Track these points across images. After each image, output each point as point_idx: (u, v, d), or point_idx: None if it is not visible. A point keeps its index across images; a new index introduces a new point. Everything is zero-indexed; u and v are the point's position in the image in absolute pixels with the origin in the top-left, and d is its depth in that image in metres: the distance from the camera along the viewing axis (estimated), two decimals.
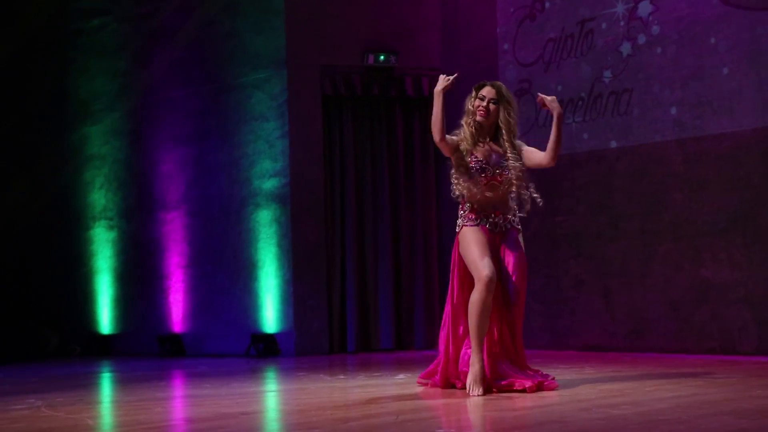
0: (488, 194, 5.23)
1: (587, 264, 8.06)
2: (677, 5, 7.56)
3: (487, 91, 5.25)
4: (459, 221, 5.31)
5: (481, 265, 5.07)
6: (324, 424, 4.15)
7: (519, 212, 5.35)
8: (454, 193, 5.31)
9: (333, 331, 8.63)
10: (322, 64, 8.69)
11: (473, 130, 5.25)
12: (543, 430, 3.95)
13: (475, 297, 5.06)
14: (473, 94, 5.28)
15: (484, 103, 5.23)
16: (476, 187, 5.20)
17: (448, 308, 5.36)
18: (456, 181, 5.26)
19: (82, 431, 4.24)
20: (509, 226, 5.29)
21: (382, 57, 8.82)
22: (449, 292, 5.36)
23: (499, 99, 5.23)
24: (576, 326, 8.07)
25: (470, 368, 5.04)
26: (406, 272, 8.90)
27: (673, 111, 7.59)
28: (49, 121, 10.36)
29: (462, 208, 5.32)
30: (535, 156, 5.31)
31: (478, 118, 5.23)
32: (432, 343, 8.91)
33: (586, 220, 8.09)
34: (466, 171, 5.21)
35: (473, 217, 5.25)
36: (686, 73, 7.50)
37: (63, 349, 9.87)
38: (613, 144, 7.93)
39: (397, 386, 5.68)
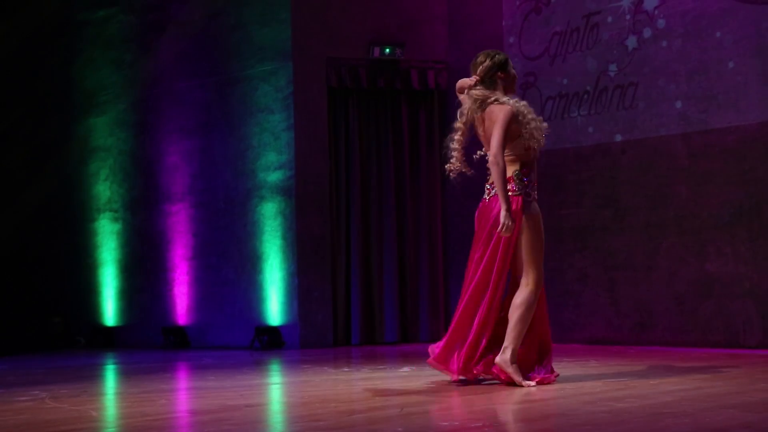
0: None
1: (592, 257, 8.05)
2: None
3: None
4: (518, 192, 5.07)
5: (542, 264, 5.12)
6: (328, 417, 4.15)
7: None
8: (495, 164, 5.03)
9: (337, 324, 8.63)
10: (328, 57, 8.69)
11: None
12: (548, 423, 3.95)
13: (535, 296, 5.06)
14: (510, 63, 5.27)
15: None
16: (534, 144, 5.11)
17: (486, 294, 5.11)
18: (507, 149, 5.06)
19: (85, 423, 4.24)
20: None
21: (387, 50, 8.81)
22: (498, 276, 5.10)
23: None
24: (581, 320, 8.07)
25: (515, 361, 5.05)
26: (410, 265, 8.90)
27: (679, 105, 7.57)
28: (55, 112, 10.37)
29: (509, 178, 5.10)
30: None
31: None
32: (437, 336, 8.91)
33: (591, 213, 8.08)
34: (519, 132, 5.08)
35: (530, 191, 5.12)
36: (691, 67, 7.49)
37: (68, 339, 9.89)
38: (618, 138, 7.92)
39: (402, 379, 5.69)
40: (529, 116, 5.14)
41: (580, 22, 8.18)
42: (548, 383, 5.08)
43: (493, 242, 5.11)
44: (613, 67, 7.96)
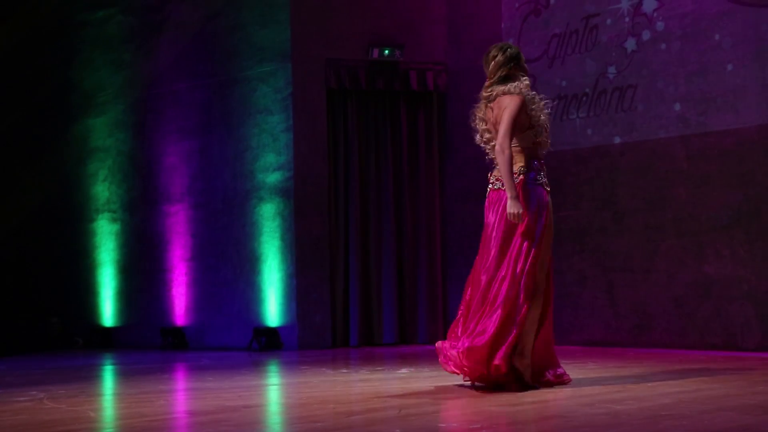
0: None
1: (591, 259, 8.05)
2: (682, 1, 7.55)
3: None
4: (538, 182, 5.01)
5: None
6: (326, 418, 4.15)
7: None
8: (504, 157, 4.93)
9: (336, 325, 8.63)
10: (327, 58, 8.69)
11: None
12: (546, 425, 3.95)
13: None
14: (522, 56, 5.24)
15: None
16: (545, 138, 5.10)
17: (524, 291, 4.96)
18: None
19: (83, 423, 4.24)
20: None
21: (386, 51, 8.81)
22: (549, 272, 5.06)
23: None
24: (579, 321, 8.07)
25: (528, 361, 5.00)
26: (409, 266, 8.90)
27: (677, 107, 7.57)
28: (54, 113, 10.37)
29: (530, 168, 5.02)
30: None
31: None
32: (435, 338, 8.92)
33: (590, 215, 8.08)
34: (529, 123, 5.01)
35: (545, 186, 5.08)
36: (690, 70, 7.49)
37: (66, 340, 9.89)
38: (617, 140, 7.92)
39: (400, 380, 5.69)
40: (540, 107, 5.07)
41: (579, 24, 8.18)
42: (560, 383, 5.06)
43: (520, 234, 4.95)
44: (612, 69, 7.97)
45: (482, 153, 5.31)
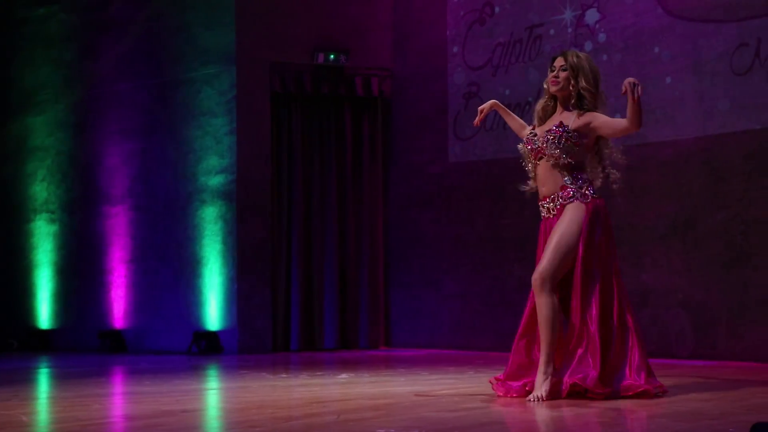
0: (538, 174, 5.20)
1: (532, 267, 8.10)
2: (623, 14, 7.68)
3: (557, 61, 5.11)
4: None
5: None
6: (265, 423, 4.14)
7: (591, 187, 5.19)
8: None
9: (276, 330, 8.61)
10: (272, 62, 8.67)
11: (545, 106, 5.21)
12: (482, 430, 3.98)
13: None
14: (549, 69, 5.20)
15: (555, 72, 5.10)
16: (530, 170, 5.20)
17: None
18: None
19: (15, 428, 4.17)
20: (562, 202, 5.25)
21: (332, 56, 8.82)
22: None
23: (569, 66, 5.10)
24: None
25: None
26: (351, 272, 8.91)
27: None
28: None
29: None
30: (615, 123, 5.24)
31: (551, 89, 5.12)
32: (375, 343, 8.94)
33: (532, 223, 8.13)
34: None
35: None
36: None
37: (0, 343, 9.70)
38: None
39: (340, 386, 5.69)
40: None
41: (523, 33, 8.27)
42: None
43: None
44: None
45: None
